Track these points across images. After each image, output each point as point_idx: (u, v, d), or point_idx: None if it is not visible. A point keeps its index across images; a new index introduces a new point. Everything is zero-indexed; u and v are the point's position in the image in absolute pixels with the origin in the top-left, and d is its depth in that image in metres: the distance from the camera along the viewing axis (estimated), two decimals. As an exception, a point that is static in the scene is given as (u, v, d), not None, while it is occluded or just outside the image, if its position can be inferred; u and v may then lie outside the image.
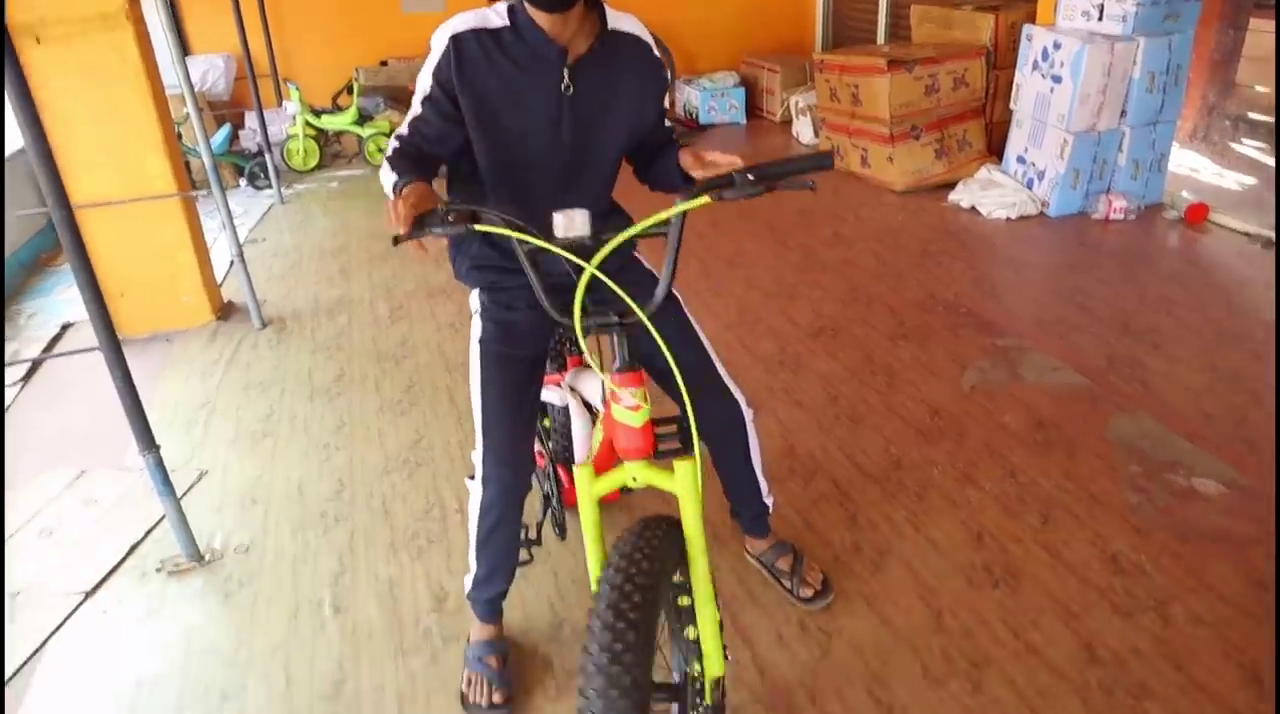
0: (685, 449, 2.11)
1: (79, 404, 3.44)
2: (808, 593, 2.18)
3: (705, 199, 1.41)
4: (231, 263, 4.25)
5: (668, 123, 1.93)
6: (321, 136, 6.60)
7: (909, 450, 2.76)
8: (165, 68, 3.86)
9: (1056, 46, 4.49)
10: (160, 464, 2.37)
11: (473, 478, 1.90)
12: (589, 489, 1.50)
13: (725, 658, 1.58)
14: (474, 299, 1.92)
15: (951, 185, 5.06)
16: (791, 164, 1.46)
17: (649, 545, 1.39)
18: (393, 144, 1.70)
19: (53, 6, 3.42)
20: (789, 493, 2.60)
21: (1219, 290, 3.76)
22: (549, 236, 1.43)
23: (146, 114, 3.68)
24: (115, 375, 2.27)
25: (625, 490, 2.34)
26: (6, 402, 3.51)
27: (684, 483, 1.53)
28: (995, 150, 5.31)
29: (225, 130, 6.41)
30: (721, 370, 2.00)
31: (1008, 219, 4.67)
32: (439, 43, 1.68)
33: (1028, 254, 4.31)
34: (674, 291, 1.94)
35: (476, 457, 1.88)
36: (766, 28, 7.70)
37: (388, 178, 1.61)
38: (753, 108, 7.22)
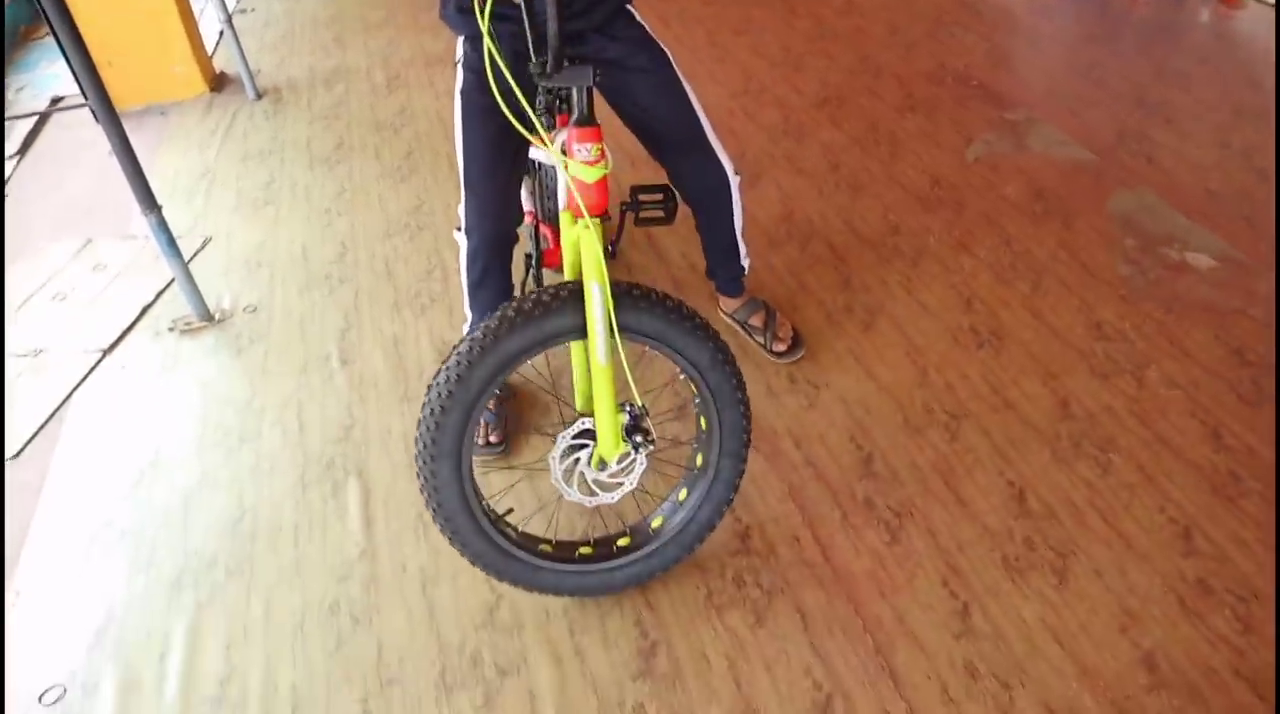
0: (667, 218, 2.13)
1: (78, 177, 3.43)
2: (780, 347, 2.26)
3: None
4: (221, 33, 4.09)
5: None
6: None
7: (907, 218, 2.77)
8: None
9: None
10: (164, 225, 2.39)
11: (460, 229, 1.94)
12: (570, 233, 1.50)
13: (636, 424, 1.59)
14: (458, 48, 1.87)
15: (975, -49, 4.76)
16: None
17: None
18: None
19: None
20: (785, 256, 2.63)
21: (1242, 66, 3.62)
22: None
23: None
24: (111, 136, 2.24)
25: (609, 253, 2.35)
26: (7, 174, 3.50)
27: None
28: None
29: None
30: (710, 134, 1.98)
31: (1030, -11, 4.43)
32: None
33: (1046, 25, 4.12)
34: (663, 49, 1.90)
35: (461, 209, 1.91)
36: None
37: None
38: None
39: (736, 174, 2.06)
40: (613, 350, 1.46)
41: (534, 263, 2.30)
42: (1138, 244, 2.61)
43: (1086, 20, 4.14)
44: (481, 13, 1.35)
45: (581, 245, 1.42)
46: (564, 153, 1.45)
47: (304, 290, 2.66)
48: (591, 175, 1.47)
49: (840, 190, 2.92)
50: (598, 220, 1.49)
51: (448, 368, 1.44)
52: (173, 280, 2.63)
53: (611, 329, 1.43)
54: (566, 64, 1.40)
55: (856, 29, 4.08)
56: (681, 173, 2.03)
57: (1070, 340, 2.28)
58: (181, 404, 2.30)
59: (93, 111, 2.21)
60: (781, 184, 2.96)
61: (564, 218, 1.52)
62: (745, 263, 2.24)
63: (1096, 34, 3.97)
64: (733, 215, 2.11)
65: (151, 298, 2.72)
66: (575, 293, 1.43)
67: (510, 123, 1.40)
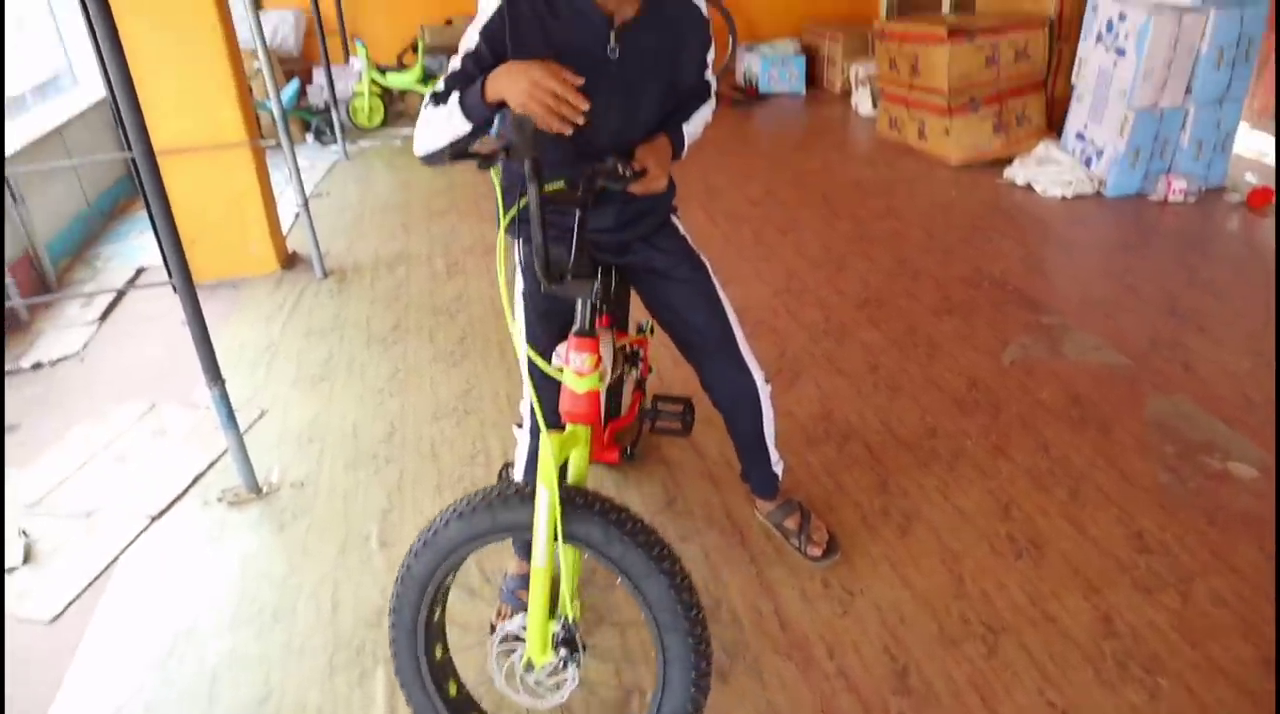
0: (684, 431, 2.19)
1: (152, 343, 3.62)
2: (815, 552, 2.25)
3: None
4: (297, 215, 4.40)
5: (710, 79, 1.94)
6: (386, 94, 6.73)
7: (944, 420, 2.80)
8: (239, 21, 4.00)
9: (1122, 18, 4.41)
10: (225, 397, 2.51)
11: (520, 426, 2.01)
12: (549, 454, 1.49)
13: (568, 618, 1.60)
14: (516, 252, 2.00)
15: (1008, 161, 5.01)
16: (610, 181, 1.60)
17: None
18: (429, 99, 1.72)
19: (135, -39, 3.57)
20: (822, 455, 2.67)
21: (1271, 273, 3.70)
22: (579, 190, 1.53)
23: (221, 65, 3.83)
24: (187, 309, 2.40)
25: (626, 455, 2.40)
26: (87, 339, 3.71)
27: (579, 447, 1.62)
28: (1055, 126, 5.23)
29: (294, 85, 6.58)
30: (742, 345, 2.05)
31: (1063, 198, 4.62)
32: (491, 2, 1.72)
33: (1080, 234, 4.28)
34: (703, 260, 2.01)
35: (525, 407, 1.99)
36: (830, -5, 7.63)
37: (436, 113, 1.66)
38: (813, 77, 7.17)
39: (767, 383, 2.12)
40: (552, 555, 1.49)
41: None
42: (1177, 452, 2.60)
43: (1120, 228, 4.29)
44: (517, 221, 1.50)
45: (541, 451, 1.46)
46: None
47: (351, 467, 2.74)
48: (581, 386, 1.53)
49: (879, 391, 2.98)
50: (586, 428, 1.56)
51: (411, 548, 1.56)
52: (226, 450, 2.73)
53: (555, 534, 1.46)
54: (570, 278, 1.51)
55: (895, 232, 4.26)
56: (712, 379, 2.10)
57: (1111, 551, 2.25)
58: (221, 576, 2.34)
59: (174, 287, 2.38)
60: (821, 383, 3.03)
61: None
62: (778, 468, 2.28)
63: (1130, 242, 4.10)
64: (763, 423, 2.16)
65: (205, 467, 2.81)
66: (532, 493, 1.49)
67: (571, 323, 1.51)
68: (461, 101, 1.61)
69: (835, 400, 2.94)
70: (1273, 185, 4.41)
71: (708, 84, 1.96)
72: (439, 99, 1.67)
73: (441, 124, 1.65)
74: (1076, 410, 2.82)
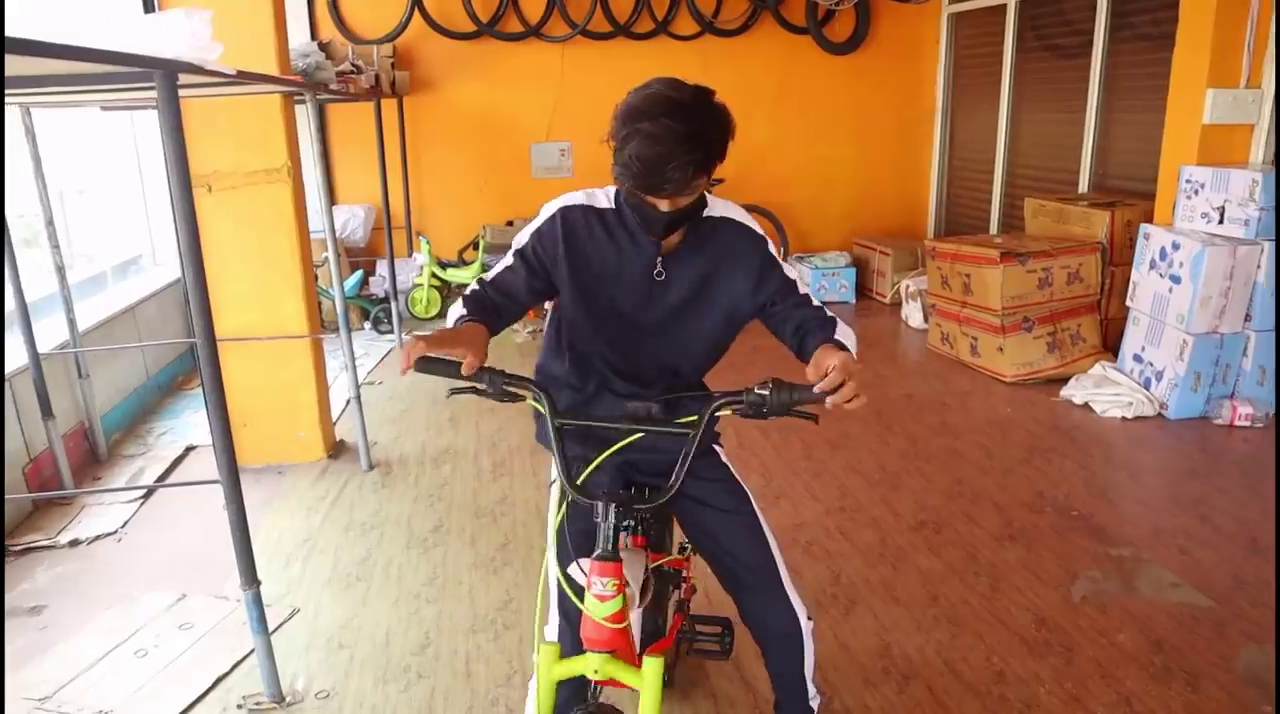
0: (723, 654, 2.08)
1: (191, 527, 3.58)
2: None
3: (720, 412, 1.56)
4: (348, 402, 4.43)
5: (802, 292, 1.85)
6: (445, 287, 6.96)
7: (1013, 662, 2.60)
8: (311, 214, 4.19)
9: (1175, 247, 4.45)
10: (259, 600, 2.43)
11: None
12: (548, 670, 1.48)
13: None
14: (552, 468, 1.96)
15: (1063, 380, 4.95)
16: (801, 394, 1.54)
17: None
18: (473, 286, 1.79)
19: (227, 162, 3.80)
20: (882, 698, 2.47)
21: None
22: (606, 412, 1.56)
23: (292, 259, 3.98)
24: (231, 510, 2.37)
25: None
26: (127, 517, 3.69)
27: (650, 680, 1.49)
28: (1110, 347, 5.20)
29: (358, 275, 6.85)
30: (785, 577, 1.95)
31: (1123, 419, 4.52)
32: (548, 210, 1.81)
33: (1144, 457, 4.15)
34: (746, 491, 1.95)
35: (551, 631, 1.88)
36: (879, 210, 7.89)
37: (455, 311, 1.72)
38: (862, 288, 7.31)
39: (809, 619, 1.99)
40: None
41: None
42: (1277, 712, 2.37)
43: (1185, 453, 4.16)
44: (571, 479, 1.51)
45: (644, 693, 1.42)
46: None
47: (380, 681, 2.59)
48: (599, 611, 1.47)
49: (940, 625, 2.80)
50: (605, 656, 1.47)
51: None
52: (253, 651, 2.61)
53: None
54: (590, 494, 1.53)
55: (951, 450, 4.17)
56: (752, 612, 2.00)
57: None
58: (231, 800, 2.18)
59: (221, 479, 2.35)
60: (878, 614, 2.86)
61: (545, 651, 1.53)
62: (814, 703, 2.10)
63: (1197, 468, 3.96)
64: (803, 660, 2.00)
65: (229, 668, 2.69)
66: None
67: None
68: (458, 320, 1.71)
69: (894, 633, 2.76)
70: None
71: (800, 302, 1.84)
72: (466, 300, 1.75)
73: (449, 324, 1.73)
74: (1159, 658, 2.61)
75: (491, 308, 1.78)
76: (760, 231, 1.86)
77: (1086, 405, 4.69)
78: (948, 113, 7.67)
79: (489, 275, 1.82)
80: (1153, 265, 4.62)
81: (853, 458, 4.09)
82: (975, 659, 2.63)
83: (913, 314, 6.41)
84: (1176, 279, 4.45)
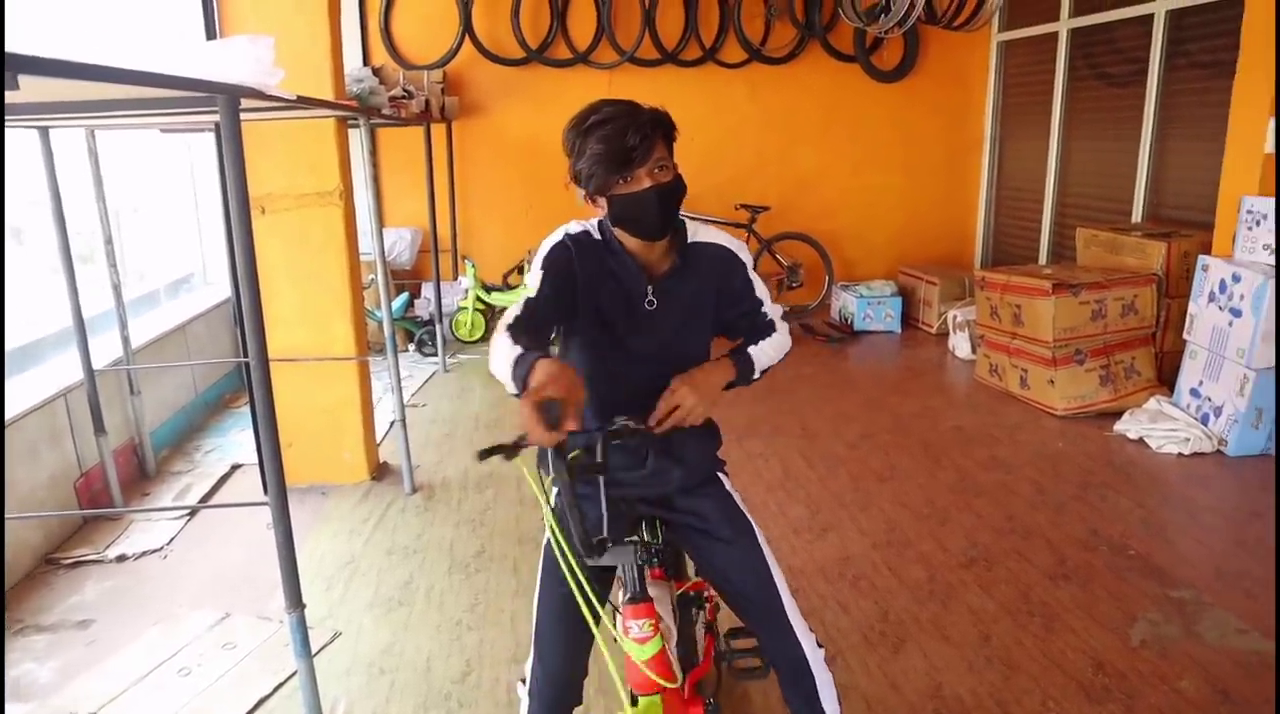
0: (762, 673, 2.07)
1: (236, 545, 3.60)
2: None
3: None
4: (392, 423, 4.46)
5: (770, 315, 1.94)
6: (489, 311, 7.00)
7: (1069, 708, 2.51)
8: (360, 236, 4.23)
9: (1236, 279, 4.34)
10: (303, 623, 2.41)
11: (523, 682, 1.91)
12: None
13: None
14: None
15: (1116, 414, 4.83)
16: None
17: None
18: (504, 325, 1.70)
19: (280, 184, 3.86)
20: (933, 741, 2.40)
21: None
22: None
23: (342, 281, 4.02)
24: (278, 532, 2.36)
25: (710, 710, 2.24)
26: (174, 534, 3.72)
27: None
28: (1166, 381, 5.07)
29: (404, 297, 6.91)
30: (790, 609, 1.89)
31: (1179, 455, 4.39)
32: (555, 235, 1.82)
33: (1203, 495, 4.02)
34: (750, 522, 1.94)
35: (528, 666, 1.89)
36: (926, 239, 7.81)
37: (506, 350, 1.61)
38: (908, 318, 7.22)
39: (819, 647, 1.91)
40: None
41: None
42: (1349, 772, 2.27)
43: (1247, 492, 4.03)
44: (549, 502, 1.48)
45: None
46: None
47: (421, 709, 2.56)
48: (641, 653, 1.46)
49: (992, 667, 2.71)
50: (655, 699, 1.45)
51: None
52: (295, 674, 2.61)
53: None
54: (610, 545, 1.50)
55: (1002, 485, 4.07)
56: (761, 641, 1.99)
57: None
58: (271, 826, 2.16)
59: (269, 501, 2.35)
60: (928, 653, 2.79)
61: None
62: None
63: (1260, 508, 3.83)
64: (816, 690, 1.89)
65: (270, 690, 2.69)
66: None
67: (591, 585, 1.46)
68: (515, 366, 1.59)
69: (944, 674, 2.68)
70: None
71: (767, 319, 1.94)
72: (512, 331, 1.67)
73: (503, 366, 1.62)
74: (1226, 707, 2.51)
75: (540, 327, 1.74)
76: (743, 255, 1.92)
77: (1141, 440, 4.56)
78: (996, 141, 7.60)
79: (518, 307, 1.74)
80: (1212, 298, 4.51)
81: (900, 491, 4.01)
82: (1031, 703, 2.54)
83: (960, 345, 6.32)
84: (1237, 312, 4.34)
